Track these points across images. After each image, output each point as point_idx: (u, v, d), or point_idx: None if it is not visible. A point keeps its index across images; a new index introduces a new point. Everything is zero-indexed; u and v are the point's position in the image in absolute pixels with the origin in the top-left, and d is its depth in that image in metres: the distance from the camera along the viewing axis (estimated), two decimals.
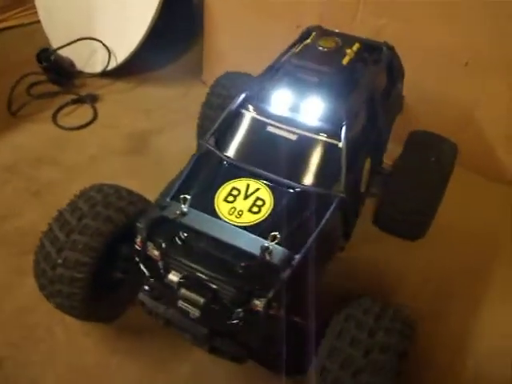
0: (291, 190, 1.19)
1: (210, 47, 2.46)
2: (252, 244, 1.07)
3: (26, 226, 1.71)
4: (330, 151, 1.23)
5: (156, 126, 2.23)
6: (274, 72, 1.42)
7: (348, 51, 1.41)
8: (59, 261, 1.16)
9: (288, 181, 1.19)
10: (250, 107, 1.31)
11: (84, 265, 1.17)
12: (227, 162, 1.25)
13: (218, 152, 1.27)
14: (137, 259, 1.16)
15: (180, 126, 2.20)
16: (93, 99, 2.35)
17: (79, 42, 2.42)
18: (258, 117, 1.30)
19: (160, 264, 1.13)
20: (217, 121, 1.32)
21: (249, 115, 1.31)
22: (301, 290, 1.09)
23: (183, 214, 1.12)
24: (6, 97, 2.27)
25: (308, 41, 1.48)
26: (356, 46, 1.46)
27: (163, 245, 1.11)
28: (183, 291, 1.08)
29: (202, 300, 1.06)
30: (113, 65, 2.47)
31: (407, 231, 1.68)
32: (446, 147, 1.62)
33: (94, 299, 1.25)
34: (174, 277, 1.10)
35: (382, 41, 1.65)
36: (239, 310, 1.07)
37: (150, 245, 1.13)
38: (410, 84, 1.83)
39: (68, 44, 2.42)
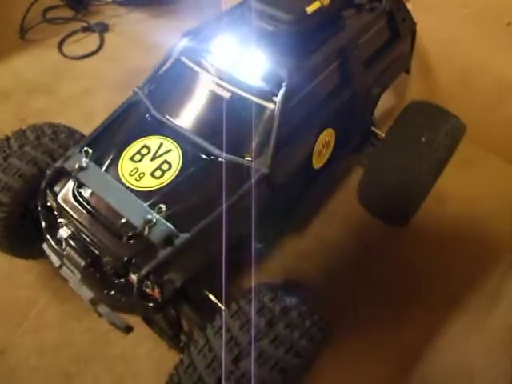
0: (204, 156, 1.04)
1: None
2: (137, 214, 0.95)
3: None
4: (264, 116, 1.05)
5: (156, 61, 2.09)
6: (231, 13, 1.21)
7: None
8: None
9: (206, 144, 1.04)
10: (187, 55, 1.14)
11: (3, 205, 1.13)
12: (149, 114, 1.11)
13: (145, 100, 1.13)
14: (38, 207, 1.10)
15: None
16: (102, 29, 2.25)
17: None
18: (193, 66, 1.13)
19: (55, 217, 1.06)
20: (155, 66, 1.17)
21: (184, 64, 1.14)
22: (192, 273, 0.97)
23: (81, 168, 1.03)
24: (21, 18, 2.24)
25: None
26: None
27: (58, 198, 1.03)
28: (68, 250, 1.01)
29: (82, 263, 0.99)
30: None
31: (387, 215, 1.46)
32: (446, 127, 1.33)
33: (18, 234, 1.22)
34: (63, 232, 1.03)
35: None
36: (118, 280, 0.98)
37: (49, 195, 1.06)
38: (436, 48, 1.52)
39: None
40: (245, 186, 0.99)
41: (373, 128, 1.49)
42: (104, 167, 1.04)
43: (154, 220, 0.94)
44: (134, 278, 0.95)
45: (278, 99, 1.01)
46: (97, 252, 0.99)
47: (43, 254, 1.10)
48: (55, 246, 1.04)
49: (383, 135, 1.47)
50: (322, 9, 1.14)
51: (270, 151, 1.01)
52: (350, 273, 1.41)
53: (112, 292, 0.98)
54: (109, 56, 2.16)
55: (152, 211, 0.95)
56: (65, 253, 1.01)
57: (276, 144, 1.01)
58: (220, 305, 1.01)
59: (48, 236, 1.05)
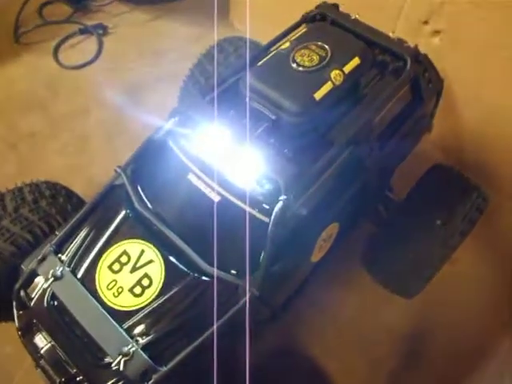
0: (189, 272, 0.94)
1: None
2: (113, 344, 0.88)
3: None
4: (257, 229, 0.93)
5: (160, 74, 1.93)
6: (225, 91, 1.06)
7: (334, 74, 0.99)
8: None
9: (193, 255, 0.94)
10: (175, 139, 1.01)
11: None
12: (131, 207, 1.00)
13: (128, 188, 1.02)
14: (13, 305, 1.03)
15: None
16: (101, 31, 2.08)
17: None
18: (181, 156, 1.00)
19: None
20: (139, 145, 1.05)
21: (171, 149, 1.01)
22: None
23: (55, 277, 0.94)
24: (15, 17, 2.07)
25: (286, 44, 1.06)
26: (354, 63, 1.02)
27: (32, 303, 0.96)
28: (43, 362, 0.95)
29: (57, 380, 0.93)
30: None
31: (394, 287, 1.36)
32: (464, 209, 1.20)
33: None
34: (39, 342, 0.96)
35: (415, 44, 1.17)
36: None
37: (23, 297, 0.99)
38: (462, 87, 1.35)
39: None
40: (235, 308, 0.91)
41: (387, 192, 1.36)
42: (80, 274, 0.96)
43: (131, 352, 0.86)
44: None
45: (272, 214, 0.89)
46: (72, 372, 0.93)
47: None
48: (31, 350, 0.98)
49: (396, 198, 1.35)
50: (333, 91, 0.98)
51: (261, 272, 0.91)
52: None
53: None
54: (108, 65, 2.00)
55: (129, 340, 0.88)
56: (40, 362, 0.95)
57: (268, 265, 0.90)
58: None
59: (23, 339, 0.99)
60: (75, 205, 1.17)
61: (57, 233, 1.03)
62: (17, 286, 0.98)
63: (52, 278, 0.94)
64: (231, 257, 0.94)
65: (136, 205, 0.99)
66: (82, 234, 1.00)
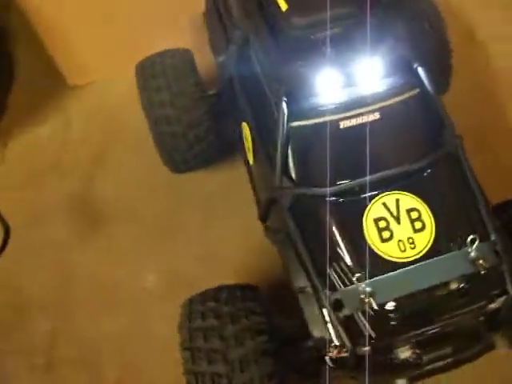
0: (423, 173, 0.98)
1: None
2: (456, 264, 0.90)
3: None
4: (420, 102, 1.00)
5: None
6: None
7: None
8: None
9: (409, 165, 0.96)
10: (301, 114, 0.96)
11: None
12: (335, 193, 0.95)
13: (315, 189, 0.97)
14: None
15: None
16: None
17: None
18: (319, 120, 0.96)
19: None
20: (275, 156, 0.96)
21: (307, 125, 0.97)
22: None
23: (371, 294, 0.87)
24: None
25: None
26: None
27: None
28: (425, 358, 0.92)
29: (449, 348, 0.93)
30: None
31: None
32: None
33: None
34: (405, 353, 0.91)
35: None
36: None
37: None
38: None
39: None
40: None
41: None
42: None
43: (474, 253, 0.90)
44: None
45: (422, 80, 0.97)
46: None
47: None
48: None
49: None
50: None
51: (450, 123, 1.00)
52: None
53: None
54: None
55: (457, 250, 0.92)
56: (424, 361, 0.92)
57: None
58: None
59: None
60: None
61: None
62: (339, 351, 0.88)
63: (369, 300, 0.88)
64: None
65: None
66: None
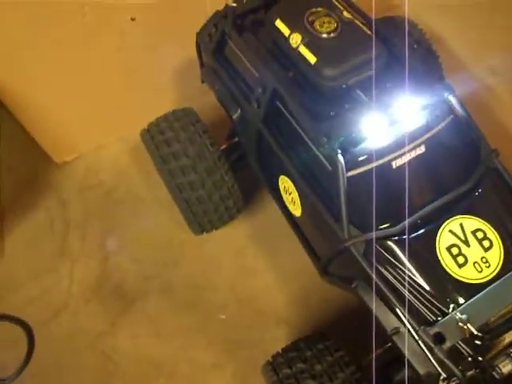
0: (475, 193, 1.03)
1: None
2: None
3: None
4: (455, 127, 1.06)
5: None
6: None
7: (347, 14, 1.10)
8: None
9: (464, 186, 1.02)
10: (355, 162, 1.00)
11: None
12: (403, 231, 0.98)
13: (388, 230, 0.99)
14: None
15: None
16: None
17: None
18: (373, 165, 1.00)
19: None
20: (338, 208, 0.98)
21: (363, 172, 0.99)
22: None
23: (468, 320, 0.91)
24: None
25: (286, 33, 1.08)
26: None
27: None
28: None
29: None
30: None
31: None
32: None
33: None
34: (507, 367, 0.95)
35: None
36: None
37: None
38: None
39: None
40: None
41: None
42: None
43: None
44: None
45: (454, 103, 1.04)
46: None
47: None
48: None
49: None
50: None
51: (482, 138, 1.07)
52: None
53: None
54: None
55: None
56: None
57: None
58: None
59: None
60: None
61: None
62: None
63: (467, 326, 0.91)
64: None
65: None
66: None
